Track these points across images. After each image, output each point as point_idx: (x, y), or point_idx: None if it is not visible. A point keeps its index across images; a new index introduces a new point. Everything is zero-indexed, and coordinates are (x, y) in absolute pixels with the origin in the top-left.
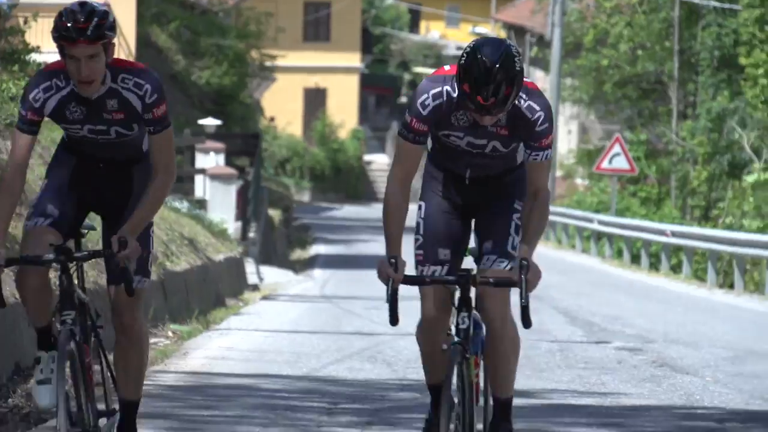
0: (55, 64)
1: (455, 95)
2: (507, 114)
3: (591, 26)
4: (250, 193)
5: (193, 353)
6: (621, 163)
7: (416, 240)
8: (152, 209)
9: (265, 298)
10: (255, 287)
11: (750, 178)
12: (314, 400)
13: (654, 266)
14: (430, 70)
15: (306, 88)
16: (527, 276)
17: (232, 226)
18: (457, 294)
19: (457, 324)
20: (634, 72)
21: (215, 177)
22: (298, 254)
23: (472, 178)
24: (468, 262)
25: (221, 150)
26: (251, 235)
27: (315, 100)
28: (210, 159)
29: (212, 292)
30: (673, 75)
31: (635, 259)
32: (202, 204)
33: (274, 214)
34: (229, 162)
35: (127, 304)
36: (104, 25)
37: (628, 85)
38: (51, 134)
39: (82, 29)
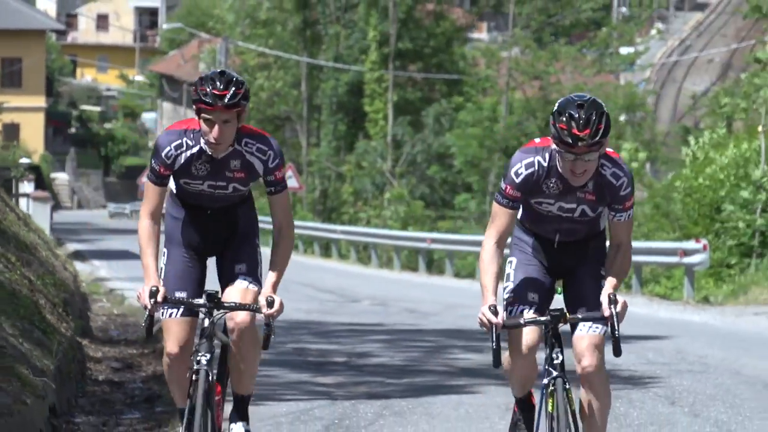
0: (185, 123)
1: (546, 164)
2: (594, 182)
3: None
4: None
5: None
6: (293, 182)
7: (505, 288)
8: (286, 264)
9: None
10: None
11: (388, 194)
12: None
13: (327, 255)
14: (94, 107)
15: (4, 124)
16: (617, 309)
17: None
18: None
19: (551, 359)
20: (272, 112)
21: (36, 199)
22: (61, 250)
23: (560, 242)
24: (557, 301)
25: (31, 180)
26: None
27: (11, 132)
28: (25, 186)
29: None
30: (302, 115)
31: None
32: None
33: None
34: None
35: (248, 324)
36: (240, 94)
37: (265, 123)
38: None
39: (221, 96)
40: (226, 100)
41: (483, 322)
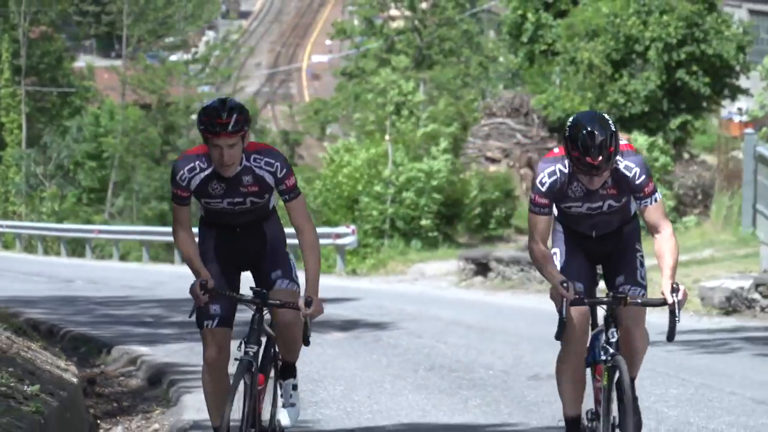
0: (197, 149)
1: (567, 170)
2: (611, 177)
3: None
4: None
5: None
6: None
7: None
8: (319, 263)
9: None
10: None
11: (45, 193)
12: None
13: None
14: None
15: None
16: (678, 297)
17: None
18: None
19: (608, 338)
20: None
21: None
22: None
23: (597, 235)
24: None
25: None
26: None
27: None
28: None
29: None
30: None
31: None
32: None
33: None
34: None
35: (291, 320)
36: (242, 120)
37: None
38: None
39: (225, 124)
40: (229, 128)
41: (556, 296)
